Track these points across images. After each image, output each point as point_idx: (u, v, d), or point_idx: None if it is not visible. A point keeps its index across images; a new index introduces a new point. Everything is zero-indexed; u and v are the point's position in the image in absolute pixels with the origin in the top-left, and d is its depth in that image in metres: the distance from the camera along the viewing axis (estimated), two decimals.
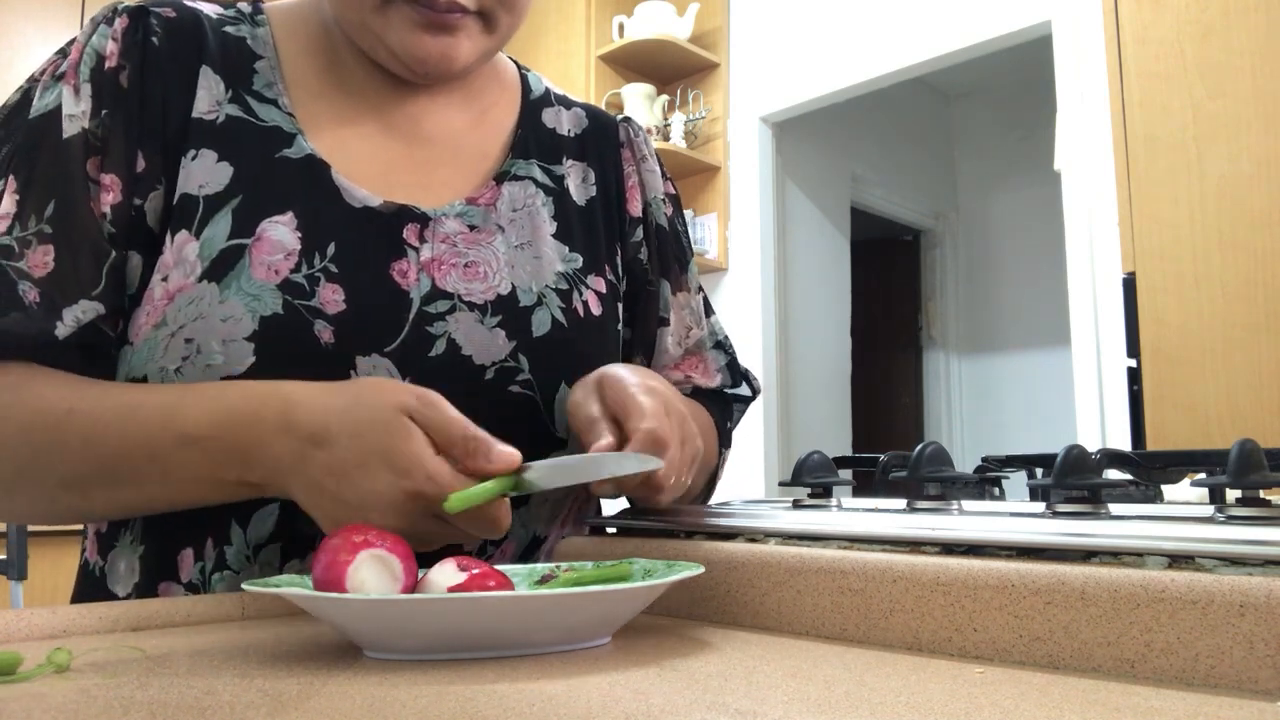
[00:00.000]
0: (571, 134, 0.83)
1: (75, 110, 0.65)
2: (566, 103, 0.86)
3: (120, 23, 0.68)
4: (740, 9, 3.39)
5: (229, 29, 0.72)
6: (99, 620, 0.55)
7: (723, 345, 0.89)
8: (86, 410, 0.61)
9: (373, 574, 0.47)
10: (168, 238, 0.66)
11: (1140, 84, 1.89)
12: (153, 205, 0.67)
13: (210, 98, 0.69)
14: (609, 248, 0.81)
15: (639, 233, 0.84)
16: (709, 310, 0.89)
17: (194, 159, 0.67)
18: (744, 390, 0.89)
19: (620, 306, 0.81)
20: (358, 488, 0.54)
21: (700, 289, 0.89)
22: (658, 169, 0.87)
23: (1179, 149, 1.83)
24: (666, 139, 3.28)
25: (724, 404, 0.87)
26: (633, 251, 0.83)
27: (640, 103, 3.26)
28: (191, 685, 0.40)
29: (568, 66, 3.33)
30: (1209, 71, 1.80)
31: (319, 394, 0.58)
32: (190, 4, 0.73)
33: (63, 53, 0.68)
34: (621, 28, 3.30)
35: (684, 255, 0.87)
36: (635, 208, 0.84)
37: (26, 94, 0.67)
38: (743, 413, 0.91)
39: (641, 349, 0.85)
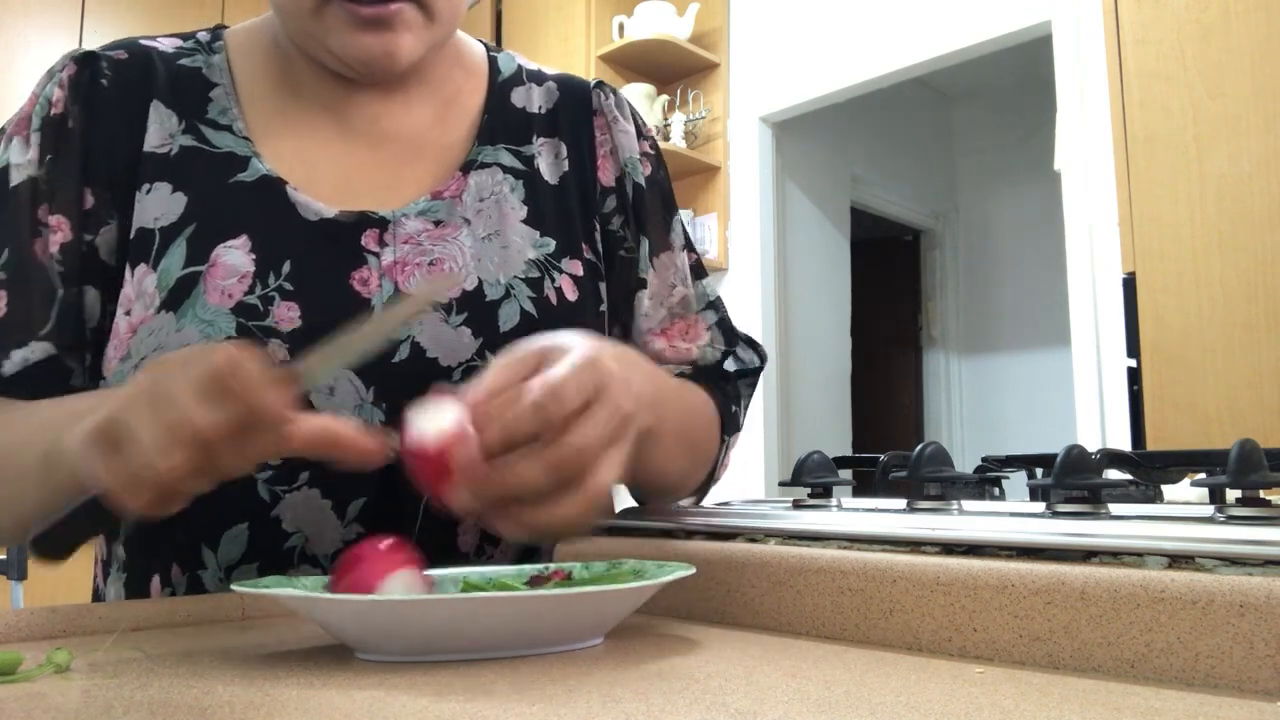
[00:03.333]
0: (542, 110, 0.81)
1: (22, 160, 0.68)
2: (539, 78, 0.83)
3: (68, 70, 0.70)
4: (740, 9, 3.39)
5: (184, 61, 0.73)
6: (99, 620, 0.55)
7: (714, 305, 0.83)
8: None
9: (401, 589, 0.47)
10: (128, 272, 0.67)
11: (1140, 84, 1.89)
12: (104, 240, 0.68)
13: (162, 131, 0.70)
14: (585, 225, 0.78)
15: (611, 201, 0.80)
16: (701, 273, 0.84)
17: (148, 192, 0.68)
18: (749, 359, 0.83)
19: (603, 286, 0.78)
20: (157, 379, 0.45)
21: (688, 247, 0.84)
22: (632, 129, 0.83)
23: (1179, 149, 1.83)
24: (666, 139, 3.28)
25: (730, 383, 0.82)
26: (605, 222, 0.80)
27: (640, 103, 3.26)
28: (191, 685, 0.40)
29: (567, 66, 3.31)
30: (1209, 71, 1.80)
31: None
32: (146, 42, 0.74)
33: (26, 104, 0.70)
34: (621, 28, 3.30)
35: (668, 212, 0.83)
36: (607, 176, 0.80)
37: None
38: (753, 386, 0.84)
39: (618, 318, 0.81)
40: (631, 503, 0.75)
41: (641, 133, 0.84)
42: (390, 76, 0.73)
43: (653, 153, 0.84)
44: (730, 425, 0.80)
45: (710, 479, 0.81)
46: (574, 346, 0.49)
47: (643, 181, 0.82)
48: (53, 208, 0.67)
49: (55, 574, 2.35)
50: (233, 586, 0.47)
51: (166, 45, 0.74)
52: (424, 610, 0.43)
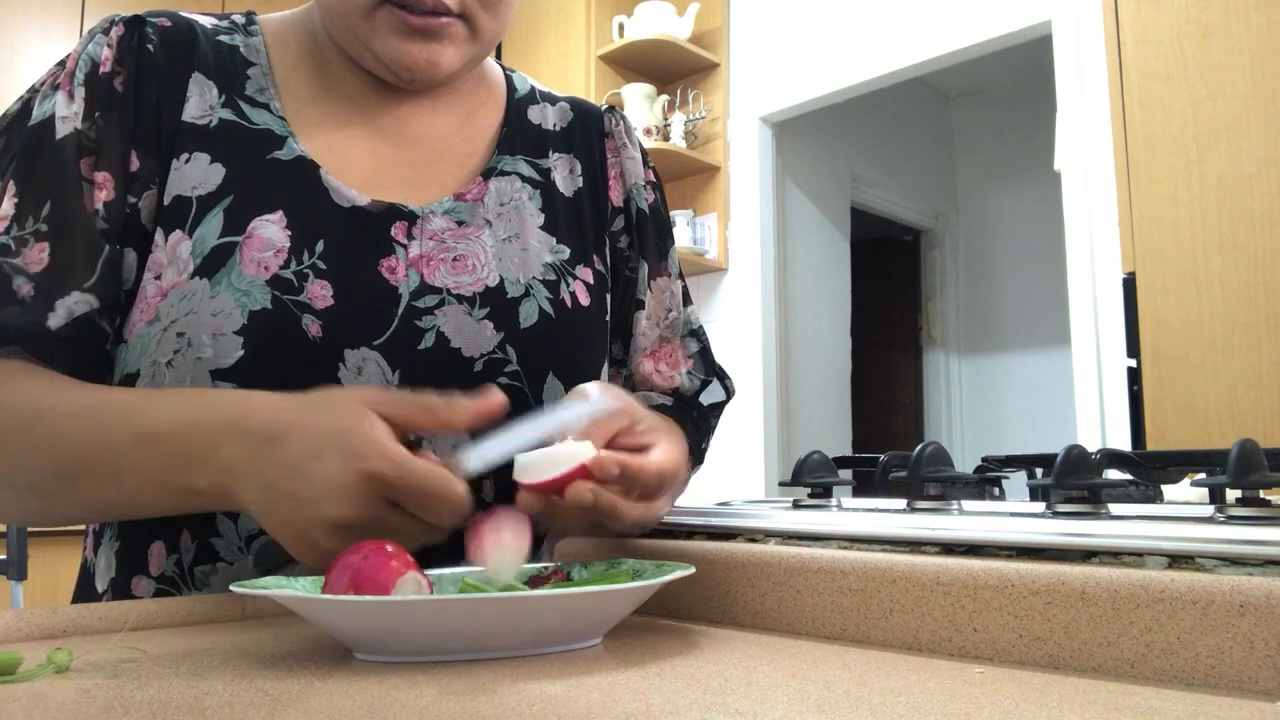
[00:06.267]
0: (557, 128, 0.84)
1: (68, 112, 0.67)
2: (551, 99, 0.87)
3: (116, 31, 0.70)
4: (740, 9, 3.38)
5: (223, 38, 0.74)
6: (99, 620, 0.55)
7: (696, 334, 0.88)
8: (57, 410, 0.61)
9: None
10: (160, 237, 0.67)
11: (1140, 84, 1.89)
12: (146, 204, 0.68)
13: (203, 102, 0.71)
14: (597, 238, 0.82)
15: (620, 221, 0.84)
16: (687, 299, 0.89)
17: (187, 161, 0.69)
18: (718, 394, 0.87)
19: (608, 298, 0.82)
20: (310, 478, 0.52)
21: (680, 275, 0.89)
22: (638, 156, 0.87)
23: (1179, 149, 1.83)
24: (666, 139, 3.28)
25: (701, 417, 0.85)
26: (614, 240, 0.84)
27: (640, 103, 3.26)
28: (191, 685, 0.40)
29: (568, 66, 3.33)
30: (1209, 71, 1.80)
31: (278, 397, 0.57)
32: (186, 15, 0.75)
33: (62, 64, 0.70)
34: (621, 28, 3.30)
35: (664, 240, 0.88)
36: (617, 196, 0.84)
37: (27, 104, 0.69)
38: (718, 418, 0.89)
39: (620, 334, 0.85)
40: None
41: (645, 161, 0.89)
42: (429, 86, 0.75)
43: (655, 180, 0.89)
44: (697, 458, 0.83)
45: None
46: (660, 430, 0.62)
47: (646, 208, 0.86)
48: (98, 164, 0.67)
49: (55, 574, 2.36)
50: (232, 587, 0.47)
51: (204, 21, 0.75)
52: (424, 610, 0.43)
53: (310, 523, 0.52)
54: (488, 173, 0.78)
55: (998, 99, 4.60)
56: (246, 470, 0.55)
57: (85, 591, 0.73)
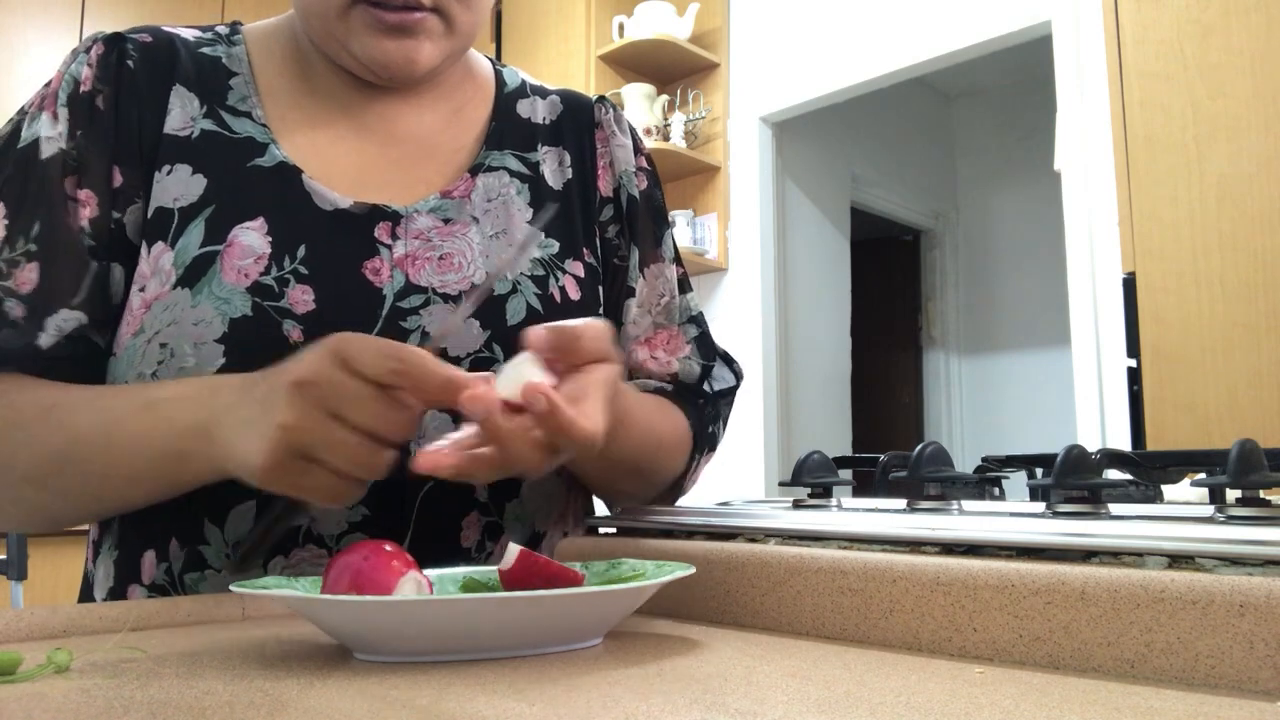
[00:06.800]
0: (546, 121, 0.84)
1: (53, 133, 0.68)
2: (542, 92, 0.86)
3: (96, 50, 0.71)
4: (740, 9, 3.38)
5: (205, 50, 0.75)
6: (99, 620, 0.55)
7: (696, 320, 0.86)
8: (71, 399, 0.62)
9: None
10: (144, 249, 0.68)
11: (1140, 84, 1.89)
12: (132, 219, 0.69)
13: (184, 115, 0.71)
14: (586, 230, 0.81)
15: (609, 210, 0.83)
16: (686, 287, 0.87)
17: (169, 173, 0.69)
18: (727, 378, 0.85)
19: (601, 289, 0.81)
20: (281, 372, 0.51)
21: (676, 261, 0.87)
22: (629, 143, 0.86)
23: (1179, 149, 1.83)
24: (666, 139, 3.28)
25: (709, 403, 0.83)
26: (603, 230, 0.83)
27: (640, 103, 3.26)
28: (191, 685, 0.40)
29: (568, 66, 3.33)
30: (1209, 71, 1.80)
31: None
32: (168, 29, 0.75)
33: (48, 84, 0.71)
34: (621, 28, 3.30)
35: (659, 225, 0.86)
36: (605, 186, 0.83)
37: (17, 126, 0.70)
38: (730, 404, 0.86)
39: (614, 326, 0.83)
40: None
41: (638, 148, 0.87)
42: (408, 82, 0.75)
43: (648, 167, 0.87)
44: (705, 443, 0.81)
45: (676, 491, 0.82)
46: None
47: (637, 194, 0.84)
48: (82, 182, 0.68)
49: (55, 574, 2.36)
50: (231, 587, 0.47)
51: (188, 34, 0.76)
52: (424, 610, 0.43)
53: (274, 394, 0.50)
54: (475, 169, 0.77)
55: (998, 99, 4.60)
56: (232, 404, 0.55)
57: (85, 602, 0.74)
